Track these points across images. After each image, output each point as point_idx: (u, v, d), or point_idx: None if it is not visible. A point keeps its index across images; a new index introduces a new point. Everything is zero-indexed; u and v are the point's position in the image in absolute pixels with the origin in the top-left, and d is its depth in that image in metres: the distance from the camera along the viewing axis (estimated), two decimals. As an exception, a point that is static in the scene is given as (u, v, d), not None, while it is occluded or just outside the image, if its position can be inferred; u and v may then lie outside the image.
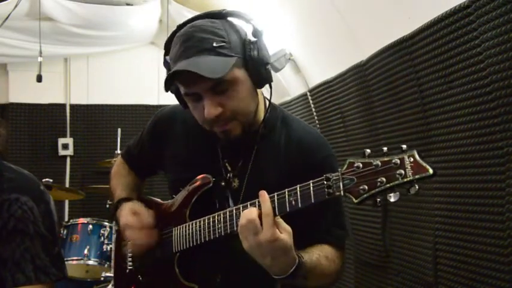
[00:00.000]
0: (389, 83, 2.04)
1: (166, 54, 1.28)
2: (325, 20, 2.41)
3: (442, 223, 1.81)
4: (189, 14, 3.47)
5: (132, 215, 1.34)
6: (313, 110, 2.97)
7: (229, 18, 1.20)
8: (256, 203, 1.04)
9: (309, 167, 1.24)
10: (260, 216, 0.99)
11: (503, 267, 1.50)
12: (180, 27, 1.23)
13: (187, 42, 1.14)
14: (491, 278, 1.55)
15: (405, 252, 2.08)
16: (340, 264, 1.23)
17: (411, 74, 1.86)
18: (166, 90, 1.17)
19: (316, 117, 2.94)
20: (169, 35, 1.28)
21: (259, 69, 1.18)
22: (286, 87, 3.30)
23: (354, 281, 2.61)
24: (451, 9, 1.55)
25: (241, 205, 1.12)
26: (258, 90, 1.27)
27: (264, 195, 1.01)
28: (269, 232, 0.97)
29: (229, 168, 1.30)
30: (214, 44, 1.12)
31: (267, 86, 1.26)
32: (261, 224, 0.98)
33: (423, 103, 1.83)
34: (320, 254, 1.14)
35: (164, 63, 1.29)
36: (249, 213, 0.99)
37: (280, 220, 1.00)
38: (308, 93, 2.99)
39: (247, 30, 1.21)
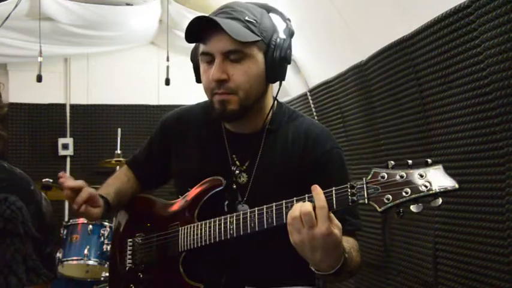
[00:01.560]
0: (389, 83, 2.04)
1: None
2: (325, 20, 2.41)
3: (442, 223, 1.81)
4: (189, 14, 3.47)
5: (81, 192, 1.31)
6: (313, 110, 2.97)
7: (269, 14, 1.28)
8: (306, 198, 1.02)
9: (317, 158, 1.26)
10: (313, 209, 0.97)
11: (503, 267, 1.50)
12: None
13: (223, 9, 1.21)
14: (491, 278, 1.55)
15: (405, 252, 2.08)
16: (360, 253, 1.23)
17: (411, 74, 1.86)
18: (188, 38, 1.20)
19: (316, 118, 2.94)
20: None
21: (277, 62, 1.22)
22: (286, 87, 3.31)
23: (354, 281, 2.61)
24: (451, 9, 1.55)
25: (256, 208, 1.12)
26: (269, 88, 1.30)
27: (316, 188, 0.99)
28: (324, 226, 0.94)
29: (238, 164, 1.31)
30: (246, 18, 1.18)
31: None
32: (315, 218, 0.96)
33: (423, 103, 1.83)
34: (350, 246, 1.13)
35: None
36: (304, 205, 0.97)
37: (332, 215, 0.98)
38: (308, 93, 2.99)
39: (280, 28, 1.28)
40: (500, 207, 1.50)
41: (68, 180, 1.29)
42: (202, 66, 1.24)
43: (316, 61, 2.88)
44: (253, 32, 1.18)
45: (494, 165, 1.52)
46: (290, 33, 1.26)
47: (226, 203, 1.29)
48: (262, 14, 1.24)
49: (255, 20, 1.19)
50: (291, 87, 3.28)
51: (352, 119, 2.48)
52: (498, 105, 1.44)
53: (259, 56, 1.21)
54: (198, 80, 1.31)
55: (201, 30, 1.18)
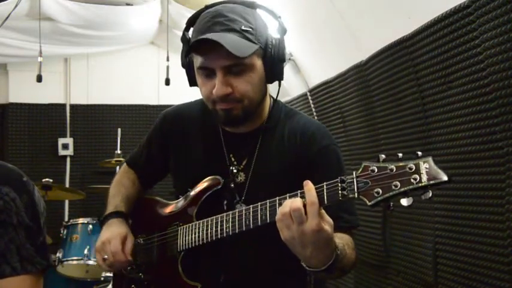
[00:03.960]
0: (389, 83, 2.04)
1: (186, 30, 1.30)
2: (325, 20, 2.41)
3: (442, 223, 1.82)
4: (189, 14, 3.45)
5: (121, 242, 1.33)
6: (313, 110, 2.97)
7: (258, 11, 1.24)
8: (299, 194, 1.01)
9: (313, 155, 1.26)
10: (304, 205, 0.96)
11: (503, 267, 1.50)
12: (208, 6, 1.25)
13: (217, 18, 1.17)
14: (491, 278, 1.55)
15: (405, 252, 2.08)
16: (355, 251, 1.22)
17: (411, 74, 1.86)
18: (186, 58, 1.25)
19: (316, 118, 2.94)
20: (194, 13, 1.29)
21: (275, 64, 1.22)
22: (286, 87, 3.30)
23: (354, 281, 2.61)
24: (451, 9, 1.55)
25: (251, 205, 1.12)
26: (267, 87, 1.30)
27: (308, 183, 0.98)
28: (314, 221, 0.94)
29: (235, 163, 1.31)
30: (242, 27, 1.16)
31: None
32: (305, 214, 0.95)
33: (423, 103, 1.83)
34: (343, 243, 1.12)
35: (182, 37, 1.31)
36: (294, 202, 0.96)
37: (323, 211, 0.97)
38: (308, 93, 2.99)
39: (271, 26, 1.25)
40: (500, 207, 1.50)
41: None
42: (201, 79, 1.23)
43: (316, 61, 2.88)
44: (251, 40, 1.16)
45: (494, 165, 1.52)
46: (283, 31, 1.24)
47: (225, 202, 1.29)
48: (255, 17, 1.21)
49: (250, 27, 1.17)
50: (291, 87, 3.28)
51: (352, 119, 2.48)
52: (498, 105, 1.44)
53: (258, 63, 1.20)
54: (192, 84, 1.30)
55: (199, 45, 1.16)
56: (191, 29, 1.27)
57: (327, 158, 1.28)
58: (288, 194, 1.04)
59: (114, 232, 1.35)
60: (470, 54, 1.52)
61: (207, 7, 1.25)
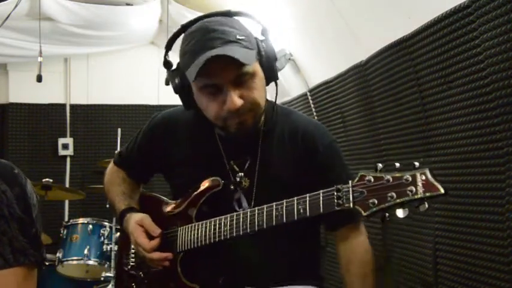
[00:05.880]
0: (389, 83, 2.04)
1: (166, 54, 1.28)
2: (325, 19, 2.41)
3: (442, 223, 1.81)
4: (189, 14, 3.47)
5: (145, 236, 1.33)
6: (313, 110, 2.97)
7: (235, 18, 1.22)
8: (307, 197, 1.02)
9: (318, 154, 1.27)
10: None
11: (503, 267, 1.50)
12: (185, 26, 1.23)
13: (210, 34, 1.13)
14: (491, 278, 1.55)
15: (405, 253, 2.08)
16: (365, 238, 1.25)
17: (411, 74, 1.86)
18: (194, 79, 1.13)
19: (316, 118, 2.94)
20: (171, 34, 1.27)
21: (270, 65, 1.21)
22: (286, 87, 3.30)
23: (354, 281, 2.61)
24: (451, 9, 1.55)
25: (248, 209, 1.15)
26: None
27: None
28: None
29: (237, 169, 1.30)
30: (238, 37, 1.14)
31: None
32: None
33: (423, 103, 1.83)
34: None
35: (165, 63, 1.29)
36: None
37: None
38: (308, 93, 2.99)
39: (252, 29, 1.24)
40: (500, 207, 1.50)
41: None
42: (206, 98, 1.19)
43: (316, 61, 2.88)
44: (249, 48, 1.15)
45: (494, 165, 1.52)
46: (267, 32, 1.23)
47: (225, 203, 1.29)
48: (240, 25, 1.19)
49: (243, 35, 1.15)
50: (291, 87, 3.28)
51: (352, 119, 2.48)
52: (498, 105, 1.44)
53: (258, 67, 1.19)
54: (189, 107, 1.27)
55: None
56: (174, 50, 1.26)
57: (332, 155, 1.30)
58: (295, 198, 1.04)
59: (136, 236, 1.36)
60: (470, 54, 1.52)
61: (184, 27, 1.22)
